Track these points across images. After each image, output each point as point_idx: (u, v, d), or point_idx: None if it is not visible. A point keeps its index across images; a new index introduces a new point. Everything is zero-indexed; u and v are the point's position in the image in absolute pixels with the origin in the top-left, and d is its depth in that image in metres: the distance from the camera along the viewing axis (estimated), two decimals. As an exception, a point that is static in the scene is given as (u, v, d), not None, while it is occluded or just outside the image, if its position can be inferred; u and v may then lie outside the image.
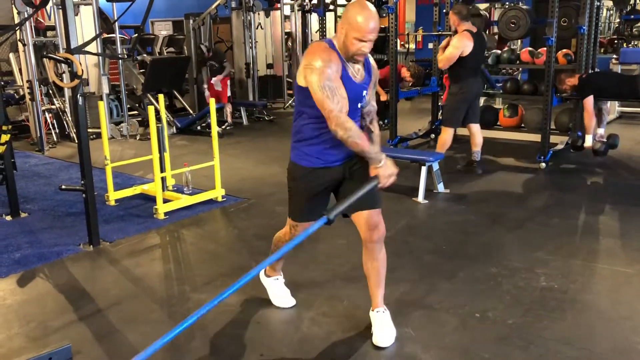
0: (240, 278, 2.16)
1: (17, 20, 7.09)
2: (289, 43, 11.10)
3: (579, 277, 3.41)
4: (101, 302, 3.21)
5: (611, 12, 13.09)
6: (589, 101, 5.80)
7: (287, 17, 10.96)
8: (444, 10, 7.27)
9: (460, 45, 5.40)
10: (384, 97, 7.32)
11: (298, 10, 10.65)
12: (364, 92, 2.56)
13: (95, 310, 3.13)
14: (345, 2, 10.99)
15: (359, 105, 2.58)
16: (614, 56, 9.91)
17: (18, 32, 6.85)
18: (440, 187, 5.16)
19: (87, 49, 4.09)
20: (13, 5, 6.97)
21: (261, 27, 10.53)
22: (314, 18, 10.35)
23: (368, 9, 2.38)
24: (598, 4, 6.59)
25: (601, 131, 6.15)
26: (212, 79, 8.62)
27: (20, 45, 7.24)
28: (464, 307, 3.04)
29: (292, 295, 3.11)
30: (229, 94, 8.72)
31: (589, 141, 5.86)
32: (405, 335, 2.74)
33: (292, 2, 10.68)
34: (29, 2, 4.85)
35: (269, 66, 11.13)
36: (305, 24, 10.75)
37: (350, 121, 2.39)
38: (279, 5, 10.65)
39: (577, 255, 3.75)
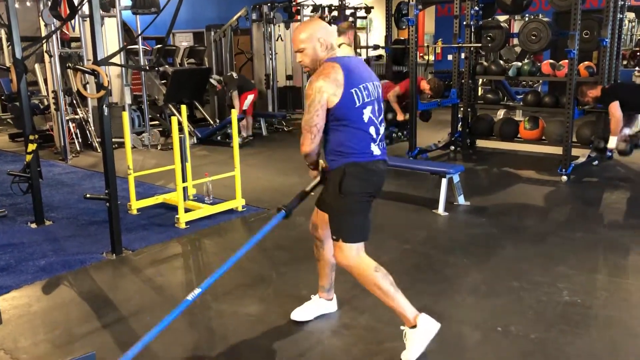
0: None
1: (43, 32, 7.25)
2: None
3: (603, 292, 3.36)
4: (124, 310, 3.25)
5: (633, 24, 12.96)
6: (615, 106, 5.72)
7: (307, 29, 11.03)
8: (464, 23, 7.27)
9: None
10: (400, 117, 7.36)
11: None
12: None
13: (118, 318, 3.16)
14: (365, 15, 11.06)
15: None
16: (637, 69, 9.82)
17: (45, 43, 6.99)
18: (461, 200, 5.14)
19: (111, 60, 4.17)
20: (40, 18, 7.13)
21: (281, 38, 10.61)
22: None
23: (300, 25, 2.68)
24: (621, 16, 6.54)
25: (627, 131, 6.04)
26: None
27: (46, 56, 7.40)
28: (487, 321, 3.02)
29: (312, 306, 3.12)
30: (244, 107, 8.58)
31: (612, 142, 5.79)
32: (427, 349, 2.72)
33: (312, 14, 10.76)
34: (57, 15, 4.95)
35: (289, 77, 11.22)
36: (324, 36, 10.82)
37: None
38: (299, 17, 10.74)
39: (601, 270, 3.71)
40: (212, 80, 8.79)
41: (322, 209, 2.82)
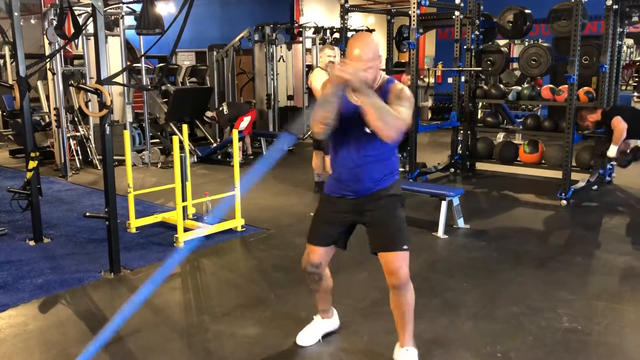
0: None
1: (46, 49, 7.30)
2: (310, 75, 11.25)
3: (603, 318, 3.34)
4: (121, 330, 3.20)
5: (632, 49, 13.09)
6: (619, 119, 5.73)
7: (308, 51, 11.14)
8: (465, 46, 7.34)
9: (314, 78, 6.10)
10: None
11: (319, 43, 10.83)
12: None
13: (115, 338, 3.13)
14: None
15: (366, 130, 2.51)
16: (636, 94, 9.90)
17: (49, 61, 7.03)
18: (461, 223, 5.13)
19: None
20: (44, 36, 7.19)
21: (283, 59, 10.69)
22: (335, 51, 10.48)
23: (360, 40, 2.53)
24: (619, 42, 6.61)
25: (629, 142, 6.04)
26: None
27: (49, 73, 7.44)
28: (486, 346, 3.00)
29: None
30: (240, 129, 8.52)
31: (612, 151, 5.79)
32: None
33: (314, 36, 10.87)
34: (61, 34, 5.00)
35: (290, 98, 11.27)
36: (326, 57, 10.90)
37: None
38: (300, 39, 10.84)
39: (601, 296, 3.69)
40: (205, 118, 8.90)
41: (373, 227, 2.68)
